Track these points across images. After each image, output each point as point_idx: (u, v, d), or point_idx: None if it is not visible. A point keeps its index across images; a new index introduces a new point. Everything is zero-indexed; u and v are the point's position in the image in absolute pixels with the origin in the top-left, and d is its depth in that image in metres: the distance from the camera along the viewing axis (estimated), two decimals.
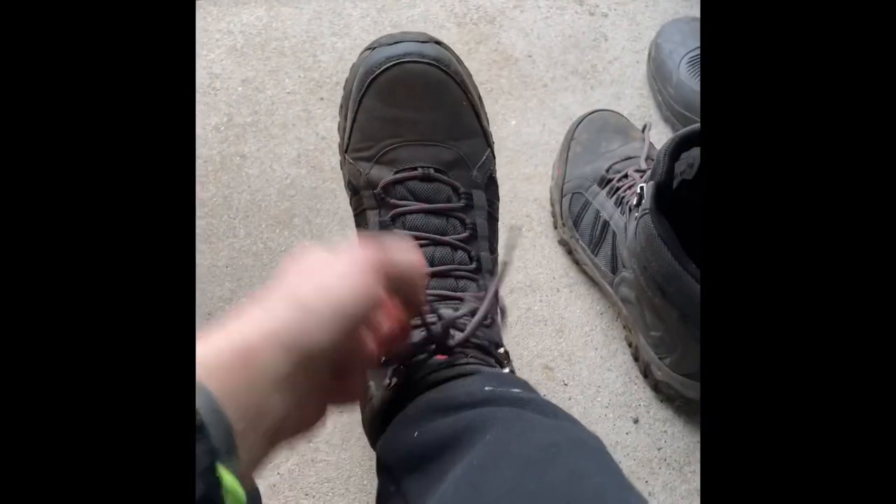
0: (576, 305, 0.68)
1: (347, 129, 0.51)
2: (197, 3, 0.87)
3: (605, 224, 0.62)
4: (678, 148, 0.53)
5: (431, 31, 0.79)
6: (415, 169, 0.49)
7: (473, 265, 0.51)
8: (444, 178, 0.49)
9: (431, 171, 0.49)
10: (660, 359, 0.60)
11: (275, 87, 0.80)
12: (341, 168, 0.55)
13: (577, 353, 0.66)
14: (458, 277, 0.50)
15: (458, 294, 0.50)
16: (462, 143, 0.50)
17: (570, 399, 0.64)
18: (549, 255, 0.70)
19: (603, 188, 0.64)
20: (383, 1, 0.87)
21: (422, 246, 0.50)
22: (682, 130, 0.54)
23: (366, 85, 0.48)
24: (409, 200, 0.49)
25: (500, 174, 0.55)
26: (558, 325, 0.67)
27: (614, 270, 0.62)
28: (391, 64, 0.47)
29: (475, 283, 0.51)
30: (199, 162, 0.75)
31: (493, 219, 0.53)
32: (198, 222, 0.72)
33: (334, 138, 0.78)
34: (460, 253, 0.50)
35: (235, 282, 0.69)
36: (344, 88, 0.52)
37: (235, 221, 0.72)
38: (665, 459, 0.62)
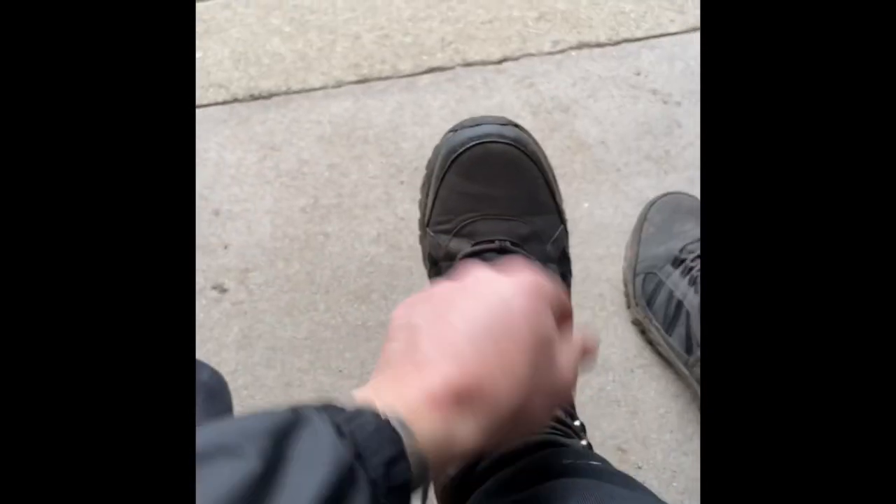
0: (650, 386, 0.67)
1: (429, 205, 0.54)
2: (290, 95, 0.94)
3: (679, 304, 0.62)
4: None
5: None
6: (492, 242, 0.51)
7: None
8: (520, 251, 0.51)
9: (508, 244, 0.51)
10: None
11: (358, 172, 0.85)
12: (420, 243, 0.57)
13: (652, 435, 0.64)
14: None
15: None
16: (537, 218, 0.52)
17: (644, 483, 0.62)
18: (623, 334, 0.70)
19: (676, 268, 0.64)
20: (461, 92, 0.92)
21: None
22: None
23: (449, 163, 0.52)
24: None
25: (574, 255, 0.56)
26: (632, 407, 0.66)
27: (689, 350, 0.61)
28: (473, 144, 0.51)
29: None
30: (285, 241, 0.80)
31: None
32: (282, 297, 0.75)
33: (412, 219, 0.81)
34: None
35: (314, 353, 0.71)
36: (426, 168, 0.55)
37: (317, 296, 0.75)
38: None
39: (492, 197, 0.52)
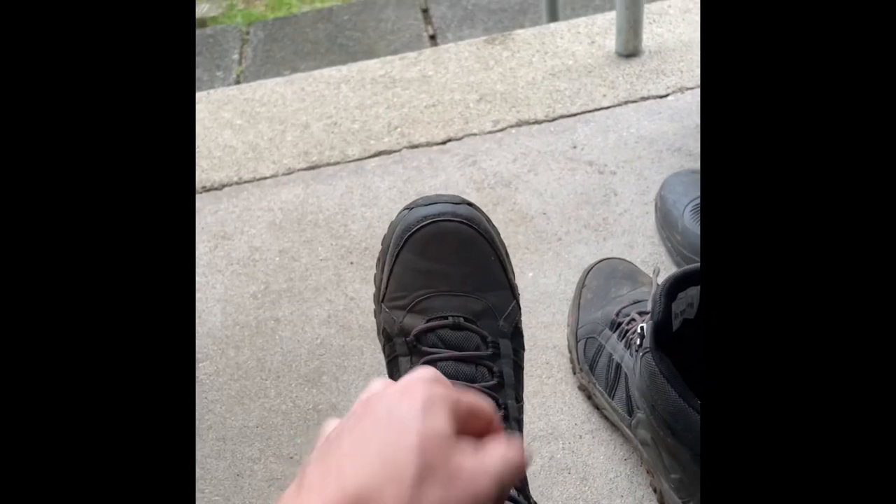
0: (599, 452, 0.67)
1: (384, 280, 0.55)
2: (241, 185, 0.97)
3: (618, 366, 0.63)
4: (673, 288, 0.56)
5: None
6: (446, 318, 0.52)
7: (501, 413, 0.52)
8: (473, 327, 0.52)
9: (461, 320, 0.52)
10: (683, 503, 0.58)
11: (309, 256, 0.87)
12: (375, 317, 0.58)
13: (603, 501, 0.64)
14: None
15: None
16: (490, 294, 0.53)
17: None
18: (570, 401, 0.71)
19: (614, 332, 0.65)
20: (408, 173, 0.95)
21: None
22: (677, 271, 0.56)
23: (404, 240, 0.53)
24: (439, 348, 0.52)
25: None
26: (582, 474, 0.66)
27: (630, 413, 0.62)
28: (428, 222, 0.52)
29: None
30: (236, 328, 0.80)
31: (518, 367, 0.55)
32: (232, 385, 0.75)
33: (362, 299, 0.83)
34: (488, 401, 0.52)
35: (265, 441, 0.71)
36: (382, 243, 0.56)
37: (267, 382, 0.76)
38: None
39: (445, 274, 0.53)
